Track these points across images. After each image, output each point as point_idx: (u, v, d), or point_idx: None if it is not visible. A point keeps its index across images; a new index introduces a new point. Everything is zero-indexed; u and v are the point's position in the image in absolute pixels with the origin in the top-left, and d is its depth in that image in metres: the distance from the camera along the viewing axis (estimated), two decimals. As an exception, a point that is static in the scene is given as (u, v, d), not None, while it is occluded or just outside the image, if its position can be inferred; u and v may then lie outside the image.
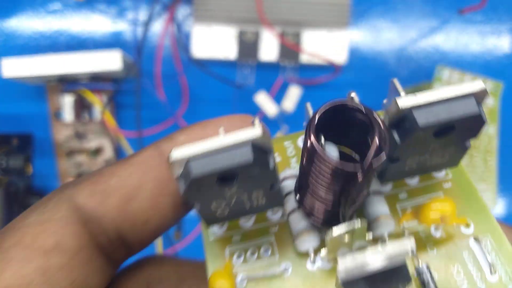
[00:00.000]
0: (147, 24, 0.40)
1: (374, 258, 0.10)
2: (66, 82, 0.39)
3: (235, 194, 0.11)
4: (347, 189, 0.10)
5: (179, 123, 0.41)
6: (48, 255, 0.11)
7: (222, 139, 0.10)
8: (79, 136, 0.41)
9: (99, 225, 0.12)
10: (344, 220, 0.11)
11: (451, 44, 0.42)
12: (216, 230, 0.13)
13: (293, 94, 0.40)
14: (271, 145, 0.10)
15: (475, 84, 0.10)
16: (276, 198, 0.12)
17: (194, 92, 0.41)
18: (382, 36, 0.42)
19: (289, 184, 0.13)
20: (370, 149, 0.09)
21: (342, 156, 0.11)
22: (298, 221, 0.12)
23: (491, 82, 0.35)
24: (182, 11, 0.41)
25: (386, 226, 0.12)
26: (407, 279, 0.10)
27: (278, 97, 0.40)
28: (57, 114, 0.40)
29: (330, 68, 0.40)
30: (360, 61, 0.42)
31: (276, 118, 0.40)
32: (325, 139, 0.10)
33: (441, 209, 0.12)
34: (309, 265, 0.12)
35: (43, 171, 0.42)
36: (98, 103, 0.40)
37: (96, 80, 0.39)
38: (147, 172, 0.13)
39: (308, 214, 0.12)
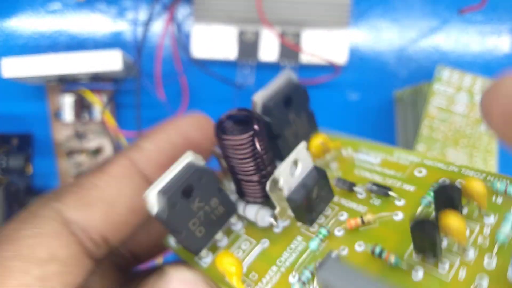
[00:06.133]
0: (147, 24, 0.40)
1: (295, 169, 0.14)
2: (66, 82, 0.39)
3: (200, 206, 0.15)
4: (256, 157, 0.14)
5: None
6: (45, 265, 0.13)
7: (172, 170, 0.14)
8: (79, 136, 0.41)
9: (85, 233, 0.14)
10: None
11: (451, 44, 0.42)
12: (206, 259, 0.16)
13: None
14: (202, 161, 0.15)
15: (285, 73, 0.16)
16: (229, 205, 0.16)
17: (194, 92, 0.41)
18: (382, 36, 0.42)
19: (233, 196, 0.17)
20: (253, 124, 0.14)
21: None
22: (250, 211, 0.16)
23: (491, 82, 0.35)
24: (182, 11, 0.41)
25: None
26: (322, 173, 0.15)
27: (278, 97, 0.40)
28: (57, 114, 0.40)
29: (330, 68, 0.40)
30: (360, 61, 0.42)
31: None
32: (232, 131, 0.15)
33: (317, 144, 0.17)
34: (276, 230, 0.16)
35: (43, 171, 0.42)
36: (98, 103, 0.40)
37: (96, 80, 0.39)
38: (123, 181, 0.15)
39: (251, 199, 0.16)
